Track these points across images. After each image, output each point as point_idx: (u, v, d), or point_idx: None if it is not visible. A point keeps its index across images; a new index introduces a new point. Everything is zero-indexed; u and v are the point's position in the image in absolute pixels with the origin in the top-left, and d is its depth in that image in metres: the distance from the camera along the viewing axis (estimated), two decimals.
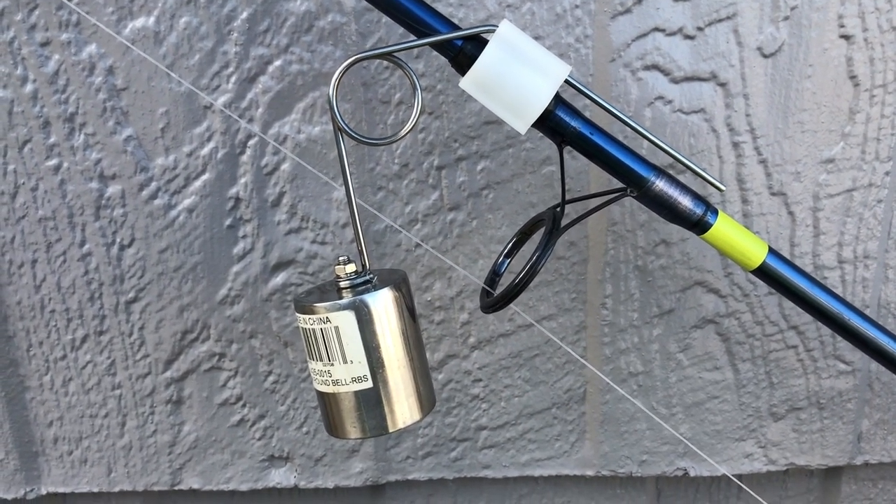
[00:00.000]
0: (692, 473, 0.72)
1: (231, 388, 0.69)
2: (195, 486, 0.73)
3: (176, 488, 0.73)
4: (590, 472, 0.72)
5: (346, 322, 0.44)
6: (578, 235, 0.64)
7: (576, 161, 0.61)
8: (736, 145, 0.61)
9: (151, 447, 0.71)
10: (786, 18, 0.58)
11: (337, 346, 0.44)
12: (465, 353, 0.68)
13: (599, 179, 0.62)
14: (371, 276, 0.47)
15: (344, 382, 0.44)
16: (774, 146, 0.61)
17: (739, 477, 0.74)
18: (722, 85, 0.60)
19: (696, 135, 0.61)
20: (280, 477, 0.72)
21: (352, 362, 0.44)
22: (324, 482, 0.72)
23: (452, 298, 0.66)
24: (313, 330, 0.45)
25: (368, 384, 0.44)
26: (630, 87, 0.60)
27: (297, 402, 0.70)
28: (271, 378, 0.69)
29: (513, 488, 0.75)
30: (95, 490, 0.73)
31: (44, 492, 0.73)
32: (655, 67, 0.59)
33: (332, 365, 0.44)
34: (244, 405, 0.70)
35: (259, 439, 0.71)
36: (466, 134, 0.62)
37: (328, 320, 0.44)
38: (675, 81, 0.60)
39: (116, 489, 0.73)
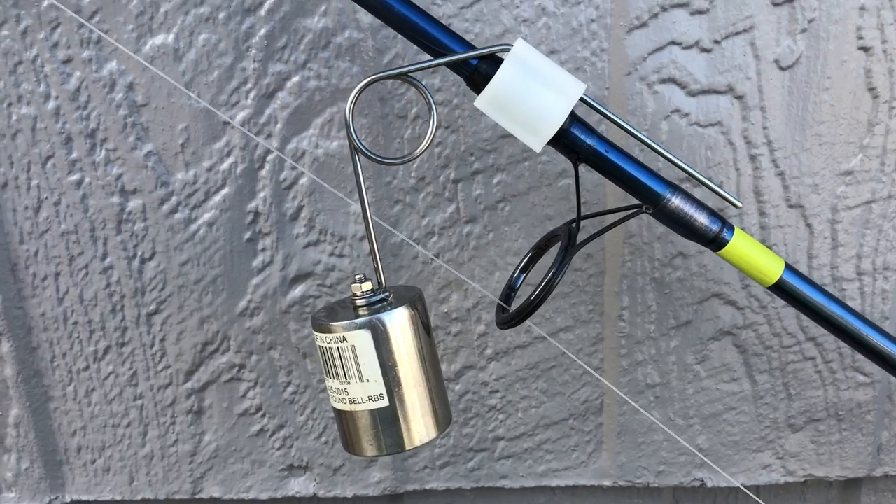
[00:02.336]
0: (709, 484, 0.72)
1: (251, 399, 0.70)
2: (216, 495, 0.74)
3: (197, 497, 0.74)
4: (607, 483, 0.72)
5: (362, 341, 0.44)
6: (595, 248, 0.64)
7: (591, 174, 0.62)
8: (753, 158, 0.61)
9: (173, 456, 0.72)
10: (803, 31, 0.58)
11: (353, 364, 0.44)
12: (482, 365, 0.68)
13: (616, 193, 0.62)
14: (387, 293, 0.47)
15: (360, 401, 0.45)
16: (792, 158, 0.61)
17: (757, 488, 0.74)
18: (739, 98, 0.59)
19: (712, 147, 0.61)
20: (299, 486, 0.73)
21: (368, 381, 0.45)
22: (342, 492, 0.73)
23: (469, 310, 0.67)
24: (330, 349, 0.45)
25: (385, 403, 0.45)
26: (646, 101, 0.60)
27: (315, 413, 0.70)
28: (290, 389, 0.69)
29: (530, 498, 0.75)
30: (118, 498, 0.74)
31: (68, 499, 0.75)
32: (672, 81, 0.59)
33: (349, 383, 0.45)
34: (264, 415, 0.71)
35: (278, 449, 0.72)
36: (482, 147, 0.62)
37: (345, 339, 0.44)
38: (692, 94, 0.60)
39: (139, 497, 0.74)
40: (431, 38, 0.45)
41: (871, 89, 0.59)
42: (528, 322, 0.66)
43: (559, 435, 0.71)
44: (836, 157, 0.61)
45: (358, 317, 0.45)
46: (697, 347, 0.67)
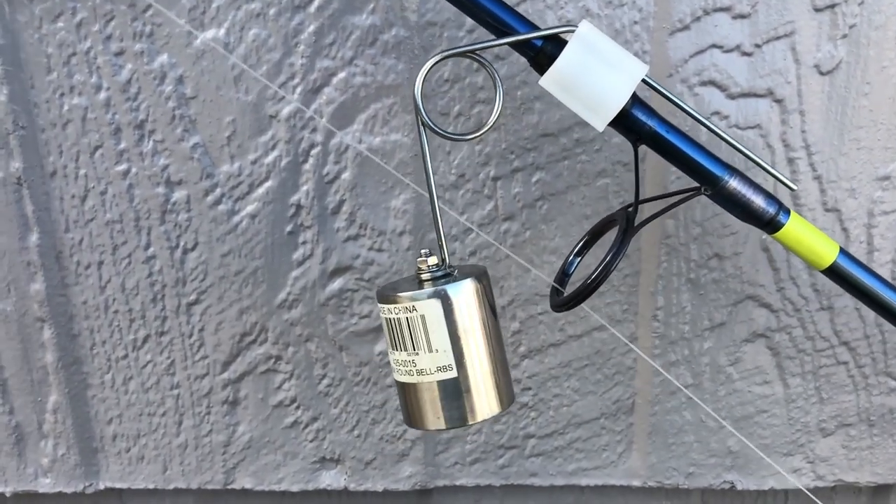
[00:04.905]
0: (739, 487, 0.72)
1: (286, 391, 0.71)
2: (248, 486, 0.75)
3: (229, 487, 0.75)
4: (636, 483, 0.73)
5: (432, 310, 0.45)
6: (632, 248, 0.65)
7: (630, 165, 0.62)
8: (791, 161, 0.62)
9: (206, 446, 0.73)
10: (844, 37, 0.59)
11: (423, 335, 0.45)
12: (516, 362, 0.69)
13: (654, 183, 0.62)
14: (452, 268, 0.48)
15: (429, 372, 0.46)
16: (829, 163, 0.62)
17: (786, 492, 0.74)
18: (778, 101, 0.60)
19: (751, 150, 0.61)
20: (330, 479, 0.74)
21: (437, 351, 0.45)
22: (373, 485, 0.74)
23: (504, 307, 0.67)
24: (398, 319, 0.46)
25: (453, 373, 0.45)
26: (687, 102, 0.60)
27: (349, 406, 0.71)
28: (325, 381, 0.70)
29: (559, 496, 0.76)
30: (151, 486, 0.75)
31: (102, 486, 0.76)
32: (712, 83, 0.60)
33: (417, 354, 0.46)
34: (298, 407, 0.71)
35: (311, 441, 0.73)
36: (523, 146, 0.63)
37: (414, 309, 0.45)
38: (732, 97, 0.60)
39: (171, 486, 0.75)
40: (497, 18, 0.47)
41: None
42: (562, 318, 0.67)
43: (590, 434, 0.71)
44: (874, 162, 0.62)
45: (425, 288, 0.46)
46: (731, 349, 0.67)
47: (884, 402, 0.68)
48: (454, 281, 0.46)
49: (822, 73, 0.60)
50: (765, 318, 0.66)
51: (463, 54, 0.46)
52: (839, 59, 0.59)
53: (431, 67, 0.45)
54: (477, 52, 0.47)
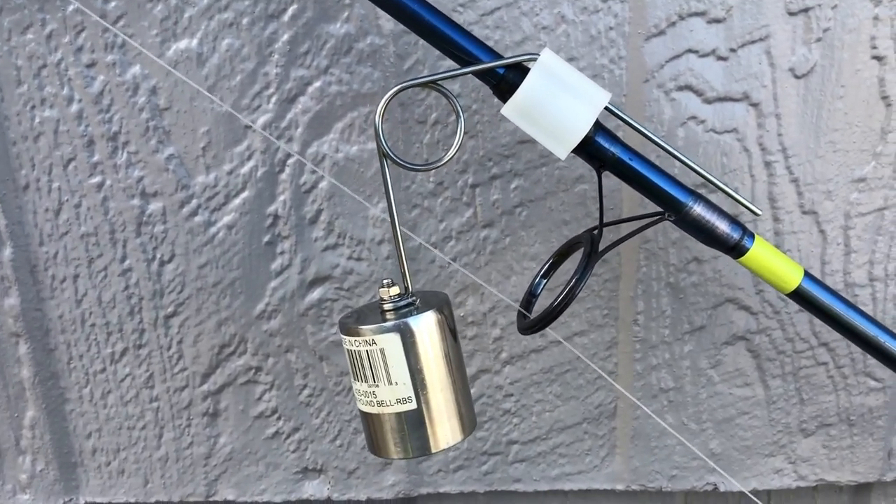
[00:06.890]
0: (722, 488, 0.72)
1: (266, 402, 0.70)
2: (230, 498, 0.74)
3: (211, 499, 0.74)
4: (620, 487, 0.73)
5: (391, 344, 0.45)
6: (611, 253, 0.64)
7: (607, 180, 0.62)
8: (768, 164, 0.62)
9: (187, 459, 0.73)
10: (818, 40, 0.59)
11: (382, 367, 0.45)
12: (497, 369, 0.69)
13: (631, 199, 0.62)
14: (414, 298, 0.48)
15: (388, 404, 0.45)
16: (806, 165, 0.62)
17: (768, 493, 0.74)
18: (754, 105, 0.60)
19: (728, 154, 0.62)
20: (313, 489, 0.73)
21: (396, 384, 0.45)
22: (356, 495, 0.73)
23: (485, 314, 0.67)
24: (359, 352, 0.45)
25: (413, 406, 0.45)
26: (663, 108, 0.61)
27: (331, 416, 0.71)
28: (306, 391, 0.70)
29: (543, 502, 0.76)
30: (132, 500, 0.75)
31: (82, 502, 0.75)
32: (688, 88, 0.60)
33: (377, 386, 0.45)
34: (279, 418, 0.71)
35: (293, 452, 0.72)
36: (501, 153, 0.63)
37: (374, 342, 0.45)
38: (708, 102, 0.60)
39: (153, 500, 0.74)
40: (459, 46, 0.46)
41: (885, 98, 0.60)
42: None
43: (573, 439, 0.71)
44: (850, 164, 0.62)
45: (386, 320, 0.45)
46: (711, 352, 0.67)
47: (863, 401, 0.69)
48: (415, 313, 0.45)
49: (797, 77, 0.60)
50: (744, 320, 0.66)
51: (424, 85, 0.46)
52: (814, 62, 0.59)
53: (390, 99, 0.45)
54: (438, 81, 0.46)
